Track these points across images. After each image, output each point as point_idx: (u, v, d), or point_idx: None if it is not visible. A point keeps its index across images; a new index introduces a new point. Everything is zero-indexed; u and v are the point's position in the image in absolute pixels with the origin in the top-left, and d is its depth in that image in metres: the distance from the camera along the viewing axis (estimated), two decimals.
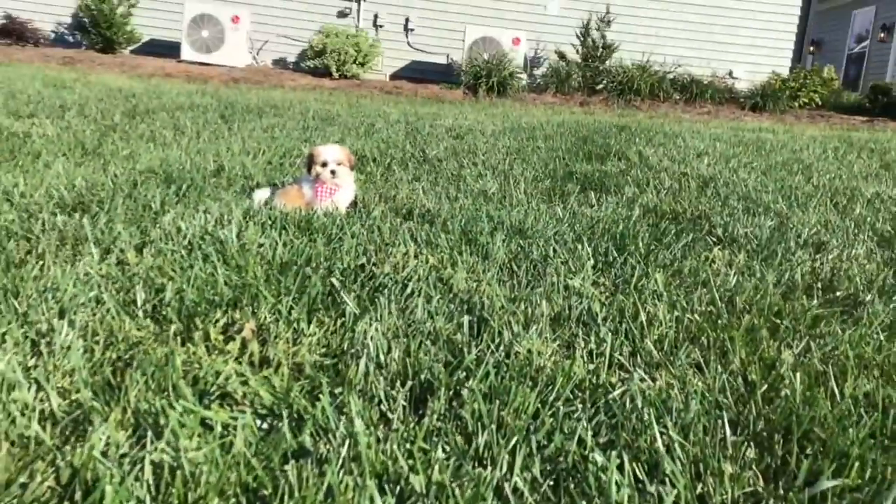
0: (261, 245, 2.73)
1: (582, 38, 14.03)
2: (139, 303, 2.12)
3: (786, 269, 2.86)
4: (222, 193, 3.58)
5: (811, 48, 21.20)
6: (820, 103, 14.46)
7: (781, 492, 1.41)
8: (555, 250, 2.90)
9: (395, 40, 14.82)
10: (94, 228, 2.78)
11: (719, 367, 1.89)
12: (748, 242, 3.26)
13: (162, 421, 1.53)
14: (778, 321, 2.25)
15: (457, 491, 1.29)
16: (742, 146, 7.13)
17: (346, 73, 13.70)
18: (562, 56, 14.10)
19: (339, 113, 7.99)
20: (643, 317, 2.20)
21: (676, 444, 1.48)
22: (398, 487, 1.33)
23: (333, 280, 2.35)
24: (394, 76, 14.78)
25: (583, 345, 2.03)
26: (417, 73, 14.67)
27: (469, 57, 13.44)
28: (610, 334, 2.07)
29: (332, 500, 1.27)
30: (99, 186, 3.52)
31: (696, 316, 2.24)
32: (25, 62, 12.35)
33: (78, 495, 1.28)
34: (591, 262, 2.77)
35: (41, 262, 2.40)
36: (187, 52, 13.86)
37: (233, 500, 1.28)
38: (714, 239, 3.33)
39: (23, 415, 1.53)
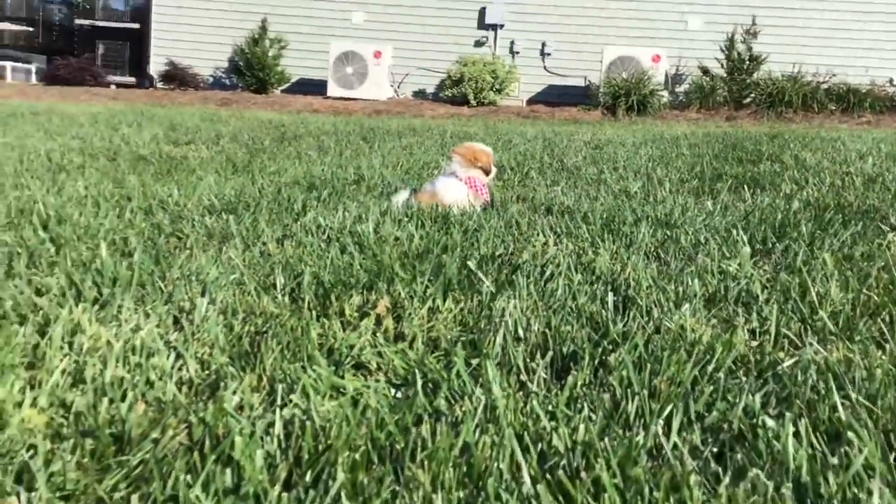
0: (397, 238, 2.70)
1: (726, 52, 13.47)
2: (278, 286, 2.12)
3: None
4: (361, 198, 3.61)
5: None
6: None
7: None
8: (706, 238, 2.69)
9: (531, 65, 14.83)
10: (238, 225, 2.85)
11: None
12: None
13: (296, 387, 1.49)
14: None
15: (608, 447, 1.15)
16: None
17: (483, 100, 13.82)
18: (705, 71, 13.58)
19: (476, 133, 8.01)
20: (813, 296, 1.97)
21: (863, 411, 1.28)
22: (540, 446, 1.21)
23: (470, 264, 2.27)
24: (530, 101, 14.75)
25: (743, 322, 1.84)
26: (554, 97, 14.57)
27: (607, 77, 13.20)
28: (775, 311, 1.86)
29: (469, 457, 1.17)
30: (247, 195, 3.64)
31: (874, 293, 1.98)
32: (187, 104, 13.28)
33: (207, 447, 1.25)
34: (748, 248, 2.55)
35: (188, 253, 2.47)
36: (333, 89, 14.43)
37: (364, 453, 1.20)
38: (888, 227, 3.00)
39: (160, 379, 1.53)
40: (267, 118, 9.99)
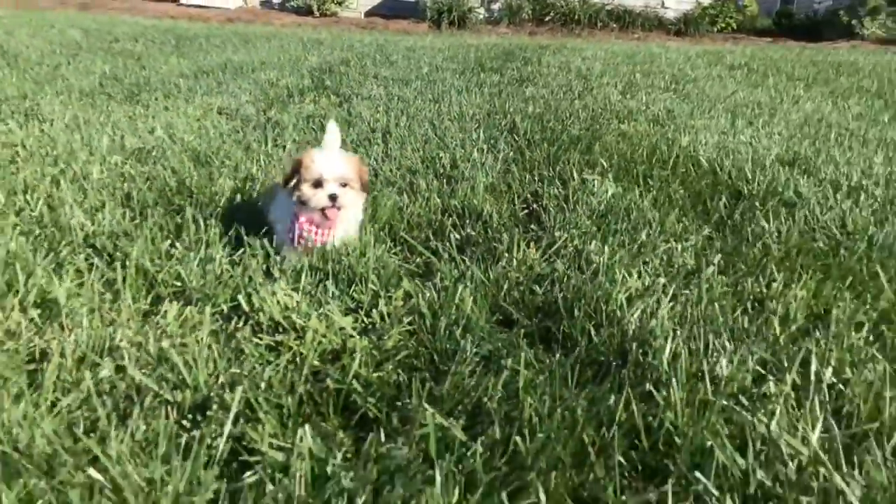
0: None
1: None
2: None
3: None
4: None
5: None
6: (736, 28, 16.75)
7: None
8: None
9: None
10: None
11: None
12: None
13: None
14: None
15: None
16: (623, 56, 9.55)
17: (325, 11, 15.92)
18: None
19: (325, 38, 10.32)
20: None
21: None
22: None
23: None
24: (368, 13, 16.97)
25: None
26: (389, 10, 16.88)
27: None
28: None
29: None
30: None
31: None
32: (48, 9, 14.48)
33: None
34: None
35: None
36: None
37: None
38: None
39: None
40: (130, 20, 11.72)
